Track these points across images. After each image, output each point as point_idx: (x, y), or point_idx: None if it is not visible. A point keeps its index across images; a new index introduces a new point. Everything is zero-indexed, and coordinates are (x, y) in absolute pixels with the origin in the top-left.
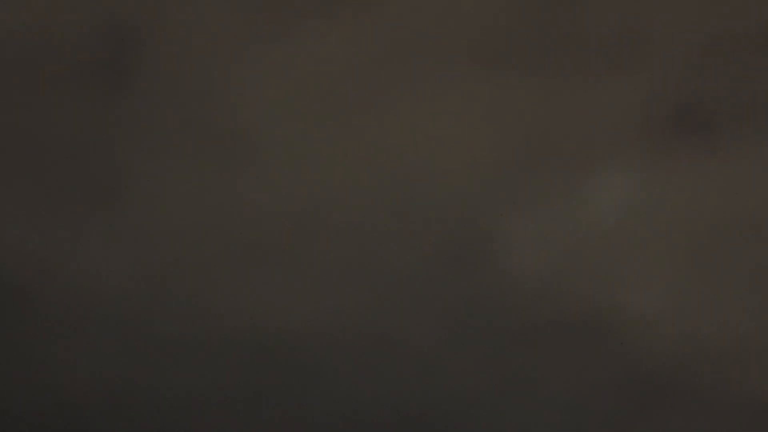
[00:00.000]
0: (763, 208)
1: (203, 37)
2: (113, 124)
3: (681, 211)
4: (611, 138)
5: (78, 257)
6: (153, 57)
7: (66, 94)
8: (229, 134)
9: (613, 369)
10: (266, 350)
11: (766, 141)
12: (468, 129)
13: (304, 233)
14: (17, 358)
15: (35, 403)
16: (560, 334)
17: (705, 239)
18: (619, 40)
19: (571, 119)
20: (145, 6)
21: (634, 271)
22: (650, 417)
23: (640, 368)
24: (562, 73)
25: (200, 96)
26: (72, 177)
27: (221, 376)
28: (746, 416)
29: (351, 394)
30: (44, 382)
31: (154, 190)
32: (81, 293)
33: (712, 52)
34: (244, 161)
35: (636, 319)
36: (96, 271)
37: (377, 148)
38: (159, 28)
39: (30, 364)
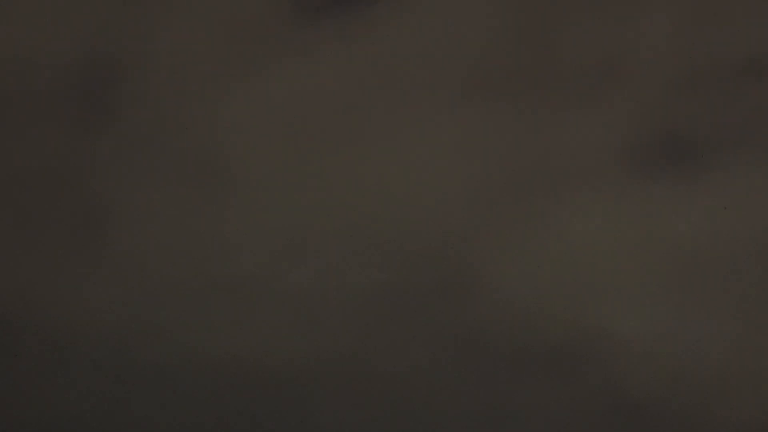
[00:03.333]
0: (743, 235)
1: (185, 70)
2: (95, 157)
3: (662, 240)
4: (593, 167)
5: (61, 291)
6: (135, 91)
7: (47, 127)
8: (211, 167)
9: (598, 396)
10: (250, 381)
11: (746, 170)
12: (450, 159)
13: (286, 264)
14: (1, 393)
15: None
16: (543, 361)
17: (687, 267)
18: (600, 71)
19: (554, 148)
20: (127, 40)
21: (617, 299)
22: None
23: (625, 395)
24: (544, 103)
25: (182, 129)
26: (54, 211)
27: (205, 407)
28: None
29: (336, 425)
30: (28, 417)
31: (136, 224)
32: (65, 327)
33: (692, 82)
34: (226, 194)
35: (619, 346)
36: (79, 304)
37: (359, 180)
38: (141, 62)
39: (14, 398)
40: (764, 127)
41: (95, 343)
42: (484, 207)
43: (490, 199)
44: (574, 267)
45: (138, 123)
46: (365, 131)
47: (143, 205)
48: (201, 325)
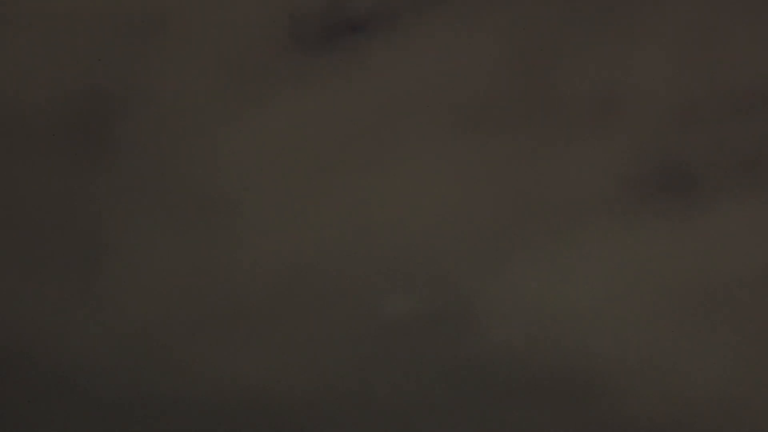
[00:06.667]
0: (743, 267)
1: (184, 103)
2: (95, 190)
3: (661, 272)
4: (591, 199)
5: (61, 324)
6: (134, 125)
7: (47, 161)
8: (211, 199)
9: (599, 426)
10: (250, 412)
11: (746, 201)
12: (449, 191)
13: (286, 296)
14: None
15: None
16: (545, 392)
17: (686, 299)
18: (598, 102)
19: (552, 181)
20: (125, 74)
21: (617, 330)
22: None
23: (627, 425)
24: (543, 134)
25: (182, 162)
26: (54, 243)
27: None
28: None
29: None
30: None
31: (136, 256)
32: (64, 360)
33: (691, 113)
34: (226, 226)
35: (620, 377)
36: (79, 337)
37: (358, 210)
38: (139, 96)
39: (15, 430)
40: (764, 159)
41: (96, 375)
42: (483, 238)
43: (490, 230)
44: (573, 298)
45: (137, 157)
46: (364, 163)
47: (144, 236)
48: (203, 356)
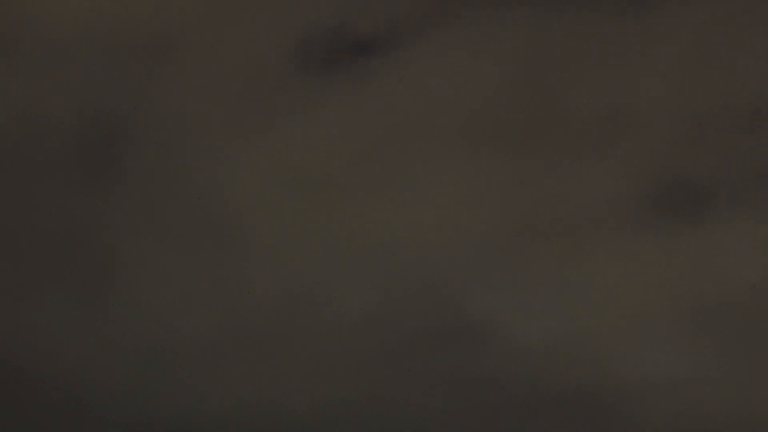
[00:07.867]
0: (757, 282)
1: (191, 125)
2: (103, 210)
3: (673, 288)
4: (600, 216)
5: (68, 342)
6: (142, 147)
7: (55, 181)
8: (218, 220)
9: None
10: (259, 431)
11: (752, 219)
12: (456, 209)
13: (297, 315)
14: None
15: None
16: (557, 407)
17: (698, 315)
18: (605, 119)
19: (559, 198)
20: (133, 96)
21: (629, 345)
22: None
23: None
24: (549, 152)
25: (189, 182)
26: (62, 263)
27: None
28: None
29: None
30: None
31: (144, 276)
32: (72, 378)
33: (699, 130)
34: (233, 246)
35: (631, 392)
36: (87, 355)
37: (368, 230)
38: (148, 118)
39: None
40: None
41: (104, 395)
42: (496, 255)
43: (502, 247)
44: (584, 315)
45: (145, 178)
46: (373, 183)
47: (152, 257)
48: (213, 375)
